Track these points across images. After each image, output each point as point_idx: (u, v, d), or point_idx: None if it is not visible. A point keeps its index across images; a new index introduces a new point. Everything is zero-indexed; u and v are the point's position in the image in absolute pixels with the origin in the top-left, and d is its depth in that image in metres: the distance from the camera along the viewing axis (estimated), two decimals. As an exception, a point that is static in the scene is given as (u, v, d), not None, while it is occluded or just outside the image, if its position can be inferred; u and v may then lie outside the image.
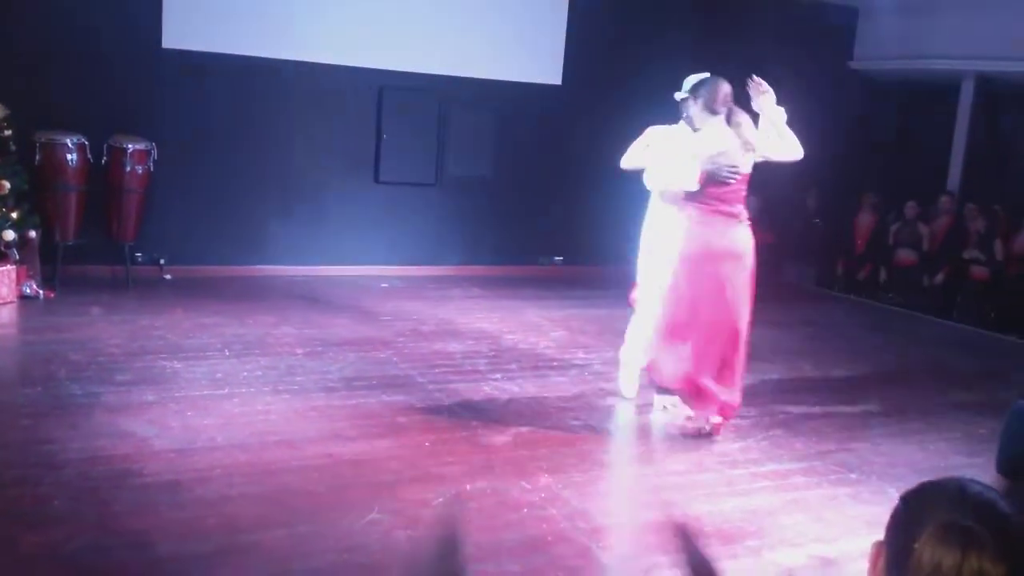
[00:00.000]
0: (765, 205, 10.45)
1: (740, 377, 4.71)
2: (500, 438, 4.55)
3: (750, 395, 5.61)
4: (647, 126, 5.00)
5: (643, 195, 5.07)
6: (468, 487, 3.92)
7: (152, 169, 7.41)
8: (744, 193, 4.68)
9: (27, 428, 4.23)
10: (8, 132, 6.64)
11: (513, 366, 5.90)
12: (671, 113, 4.99)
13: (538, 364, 5.99)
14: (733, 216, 4.63)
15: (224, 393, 4.91)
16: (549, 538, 3.58)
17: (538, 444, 4.52)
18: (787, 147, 4.57)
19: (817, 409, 5.49)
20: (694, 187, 4.59)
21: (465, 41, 8.59)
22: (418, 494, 3.80)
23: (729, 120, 4.64)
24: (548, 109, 9.14)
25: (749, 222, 4.71)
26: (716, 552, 3.49)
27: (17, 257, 6.63)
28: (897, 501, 1.21)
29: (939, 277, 9.13)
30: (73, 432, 4.19)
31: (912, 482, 1.18)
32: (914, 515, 1.15)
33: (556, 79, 9.13)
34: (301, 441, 4.31)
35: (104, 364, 5.25)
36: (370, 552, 3.30)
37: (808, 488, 4.23)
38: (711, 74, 4.74)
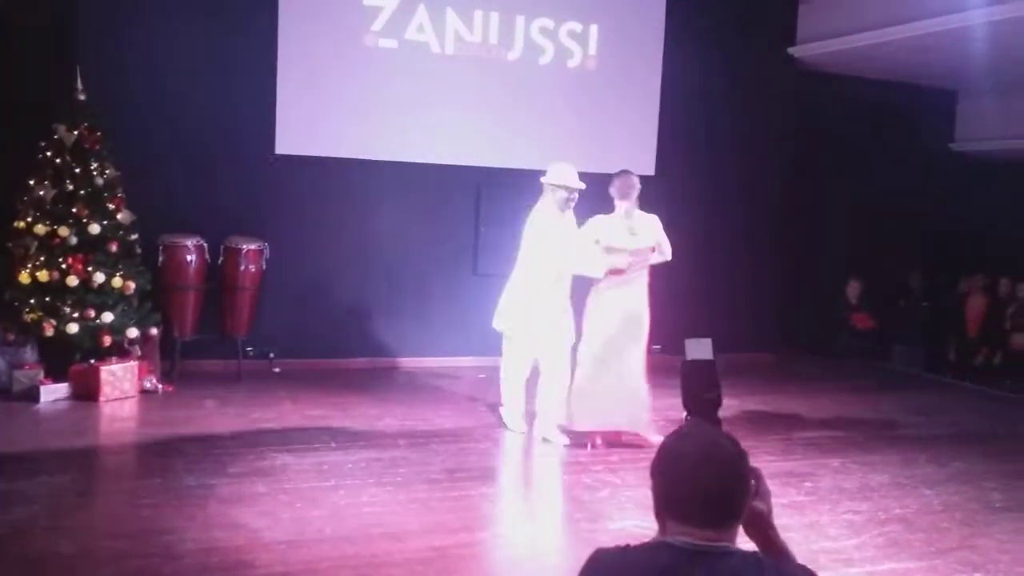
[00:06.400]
0: (866, 288, 10.25)
1: None
2: (605, 532, 4.49)
3: (864, 490, 5.43)
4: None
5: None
6: (573, 582, 3.87)
7: (264, 267, 7.79)
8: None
9: (147, 519, 4.41)
10: (135, 236, 7.11)
11: (614, 458, 5.85)
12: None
13: (640, 456, 5.92)
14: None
15: (331, 485, 5.02)
16: (657, 637, 3.49)
17: (644, 538, 4.43)
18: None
19: (936, 503, 5.25)
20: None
21: (559, 135, 8.80)
22: (523, 589, 3.78)
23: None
24: (641, 199, 9.22)
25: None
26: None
27: (139, 353, 7.01)
28: None
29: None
30: (190, 523, 4.35)
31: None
32: None
33: (649, 170, 9.24)
34: (405, 533, 4.36)
35: (218, 456, 5.45)
36: (476, 648, 3.29)
37: (930, 588, 4.03)
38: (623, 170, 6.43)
